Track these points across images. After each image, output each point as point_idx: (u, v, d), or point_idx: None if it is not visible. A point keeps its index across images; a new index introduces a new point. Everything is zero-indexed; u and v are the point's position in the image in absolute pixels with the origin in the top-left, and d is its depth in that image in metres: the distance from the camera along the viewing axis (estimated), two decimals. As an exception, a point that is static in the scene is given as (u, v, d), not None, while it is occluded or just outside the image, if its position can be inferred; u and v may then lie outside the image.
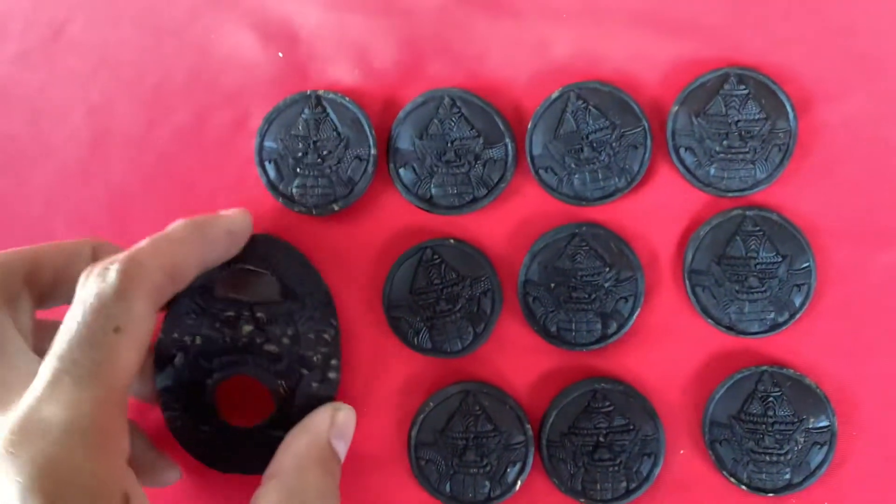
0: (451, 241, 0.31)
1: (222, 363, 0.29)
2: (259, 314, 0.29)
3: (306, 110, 0.32)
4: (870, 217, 0.31)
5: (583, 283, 0.31)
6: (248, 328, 0.29)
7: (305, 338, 0.29)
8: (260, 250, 0.30)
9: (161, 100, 0.33)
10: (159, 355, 0.29)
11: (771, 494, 0.30)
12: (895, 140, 0.31)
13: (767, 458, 0.30)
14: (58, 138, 0.33)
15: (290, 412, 0.29)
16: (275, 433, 0.29)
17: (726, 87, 0.31)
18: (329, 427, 0.28)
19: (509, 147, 0.31)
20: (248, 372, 0.29)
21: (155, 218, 0.33)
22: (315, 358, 0.30)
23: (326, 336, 0.30)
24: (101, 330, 0.20)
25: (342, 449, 0.28)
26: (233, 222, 0.29)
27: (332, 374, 0.30)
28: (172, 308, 0.29)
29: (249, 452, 0.30)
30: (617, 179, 0.31)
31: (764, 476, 0.30)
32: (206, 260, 0.27)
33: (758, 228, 0.31)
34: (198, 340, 0.29)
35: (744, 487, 0.30)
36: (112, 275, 0.21)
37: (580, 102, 0.31)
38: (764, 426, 0.30)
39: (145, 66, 0.33)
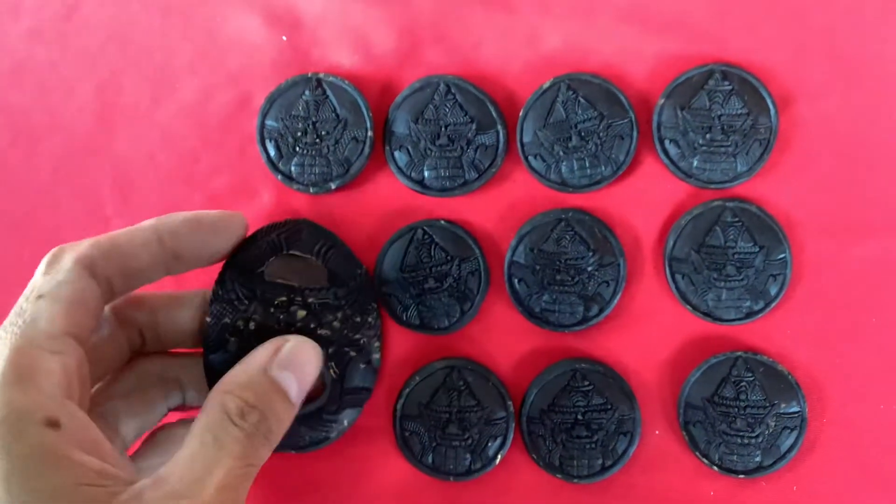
0: (442, 222, 0.33)
1: None
2: (311, 299, 0.30)
3: (307, 92, 0.33)
4: (844, 211, 0.32)
5: (567, 267, 0.32)
6: (301, 313, 0.30)
7: (352, 321, 0.30)
8: (304, 237, 0.31)
9: (167, 78, 0.34)
10: (212, 339, 0.29)
11: (742, 475, 0.31)
12: (871, 138, 0.32)
13: (739, 440, 0.31)
14: (66, 112, 0.35)
15: (341, 395, 0.30)
16: (326, 416, 0.30)
17: (711, 82, 0.32)
18: (270, 357, 0.26)
19: (500, 133, 0.33)
20: None
21: (158, 191, 0.34)
22: (362, 341, 0.30)
23: (370, 319, 0.31)
24: (26, 300, 0.24)
25: (289, 381, 0.26)
26: (207, 216, 0.28)
27: (375, 356, 0.31)
28: (220, 293, 0.29)
29: (301, 434, 0.31)
30: (603, 168, 0.32)
31: (735, 458, 0.32)
32: (171, 248, 0.27)
33: (737, 219, 0.32)
34: (251, 325, 0.29)
35: (715, 468, 0.32)
36: (46, 257, 0.25)
37: (570, 93, 0.32)
38: (736, 409, 0.32)
39: (153, 46, 0.34)
